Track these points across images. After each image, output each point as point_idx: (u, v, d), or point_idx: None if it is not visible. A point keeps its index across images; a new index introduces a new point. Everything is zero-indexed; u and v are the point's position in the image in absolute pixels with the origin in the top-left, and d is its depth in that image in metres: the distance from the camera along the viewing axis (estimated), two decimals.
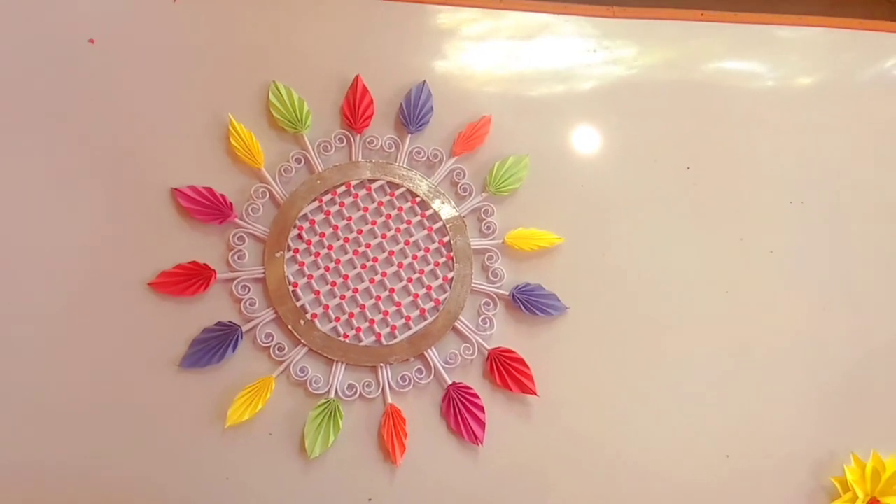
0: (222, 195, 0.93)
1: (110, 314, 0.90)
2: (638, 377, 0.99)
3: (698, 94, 1.06)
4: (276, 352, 0.92)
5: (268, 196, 0.95)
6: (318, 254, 0.94)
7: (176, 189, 0.92)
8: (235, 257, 0.93)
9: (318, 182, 0.95)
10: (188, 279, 0.91)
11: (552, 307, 0.96)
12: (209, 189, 0.93)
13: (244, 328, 0.91)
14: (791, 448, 0.99)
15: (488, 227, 0.97)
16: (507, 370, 0.94)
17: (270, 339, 0.92)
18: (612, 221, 1.01)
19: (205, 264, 0.92)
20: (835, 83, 1.08)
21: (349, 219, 0.95)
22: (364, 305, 0.94)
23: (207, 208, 0.92)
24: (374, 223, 0.96)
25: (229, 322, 0.91)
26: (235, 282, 0.92)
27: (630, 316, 1.00)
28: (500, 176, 0.98)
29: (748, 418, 0.99)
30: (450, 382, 0.93)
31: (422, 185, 0.97)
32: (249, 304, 0.92)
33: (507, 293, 0.95)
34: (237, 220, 0.93)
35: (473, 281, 0.96)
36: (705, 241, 1.02)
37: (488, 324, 0.95)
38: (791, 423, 1.00)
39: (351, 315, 0.94)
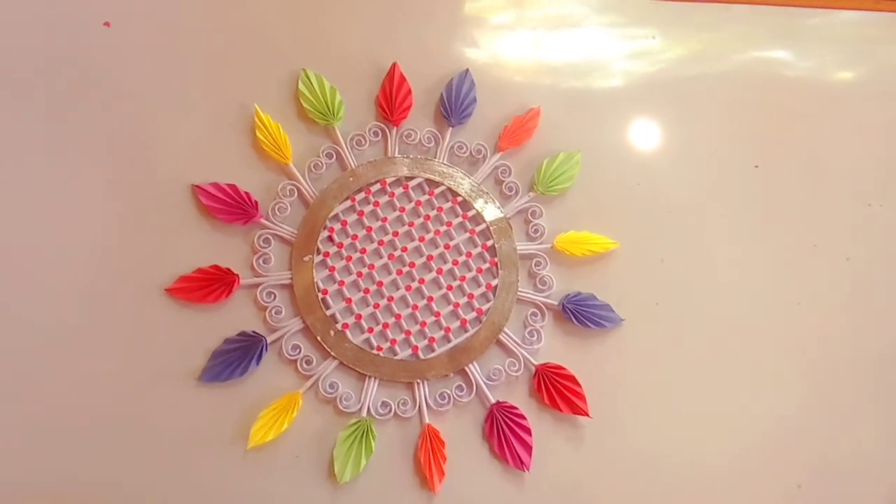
0: (247, 193, 0.88)
1: (124, 322, 0.85)
2: (700, 397, 0.92)
3: (768, 86, 1.00)
4: (304, 365, 0.86)
5: (296, 194, 0.89)
6: (349, 258, 0.88)
7: (196, 186, 0.87)
8: (260, 261, 0.87)
9: (351, 179, 0.90)
10: (209, 285, 0.85)
11: (606, 319, 0.90)
12: (232, 186, 0.88)
13: (269, 339, 0.86)
14: (868, 479, 0.92)
15: (536, 230, 0.91)
16: (556, 388, 0.87)
17: (297, 351, 0.86)
18: (671, 224, 0.94)
19: (227, 268, 0.86)
20: None
21: (384, 220, 0.90)
22: (400, 315, 0.88)
23: (230, 207, 0.87)
24: (411, 225, 0.90)
25: (253, 332, 0.86)
26: (260, 288, 0.87)
27: (692, 329, 0.93)
28: (550, 174, 0.92)
29: (822, 445, 0.92)
30: (493, 401, 0.86)
31: (463, 184, 0.91)
32: (275, 313, 0.86)
33: (557, 303, 0.89)
34: (262, 221, 0.88)
35: (519, 289, 0.89)
36: (775, 247, 0.96)
37: (535, 336, 0.89)
38: (869, 452, 0.93)
39: (385, 326, 0.87)
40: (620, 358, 0.91)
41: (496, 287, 0.89)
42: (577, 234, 0.91)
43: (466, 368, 0.87)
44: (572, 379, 0.88)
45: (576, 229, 0.91)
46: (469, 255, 0.90)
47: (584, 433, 0.89)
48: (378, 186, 0.90)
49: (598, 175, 0.94)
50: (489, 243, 0.89)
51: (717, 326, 0.93)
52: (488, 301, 0.88)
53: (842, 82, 1.02)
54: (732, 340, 0.93)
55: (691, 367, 0.92)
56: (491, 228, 0.90)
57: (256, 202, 0.88)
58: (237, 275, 0.87)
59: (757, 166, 0.97)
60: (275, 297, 0.87)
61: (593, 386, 0.88)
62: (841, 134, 1.00)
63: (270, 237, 0.88)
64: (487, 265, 0.89)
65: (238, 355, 0.85)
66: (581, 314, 0.89)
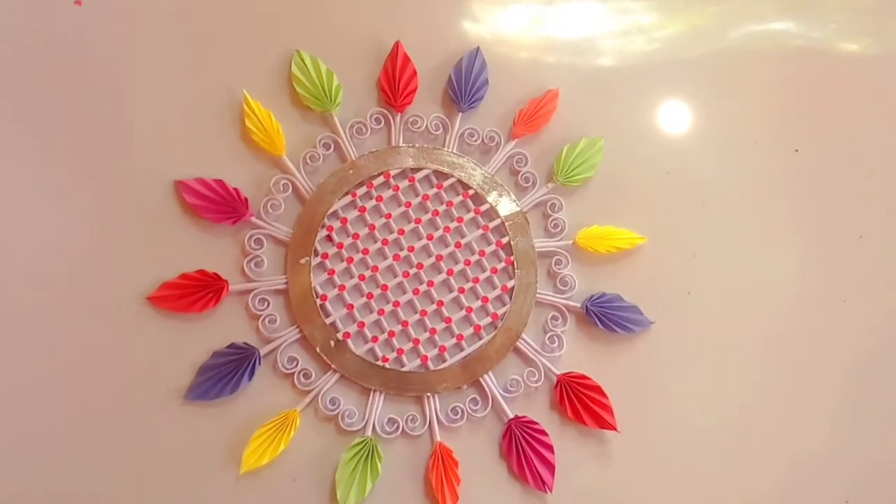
0: (235, 189, 0.81)
1: (99, 335, 0.79)
2: (739, 407, 0.86)
3: (809, 63, 0.93)
4: (302, 380, 0.80)
5: (290, 190, 0.83)
6: (351, 259, 0.82)
7: (179, 182, 0.81)
8: (252, 264, 0.81)
9: (351, 172, 0.83)
10: (195, 292, 0.79)
11: (634, 322, 0.84)
12: (219, 182, 0.81)
13: (262, 351, 0.80)
14: None
15: (556, 225, 0.85)
16: (580, 400, 0.81)
17: (294, 364, 0.80)
18: (704, 216, 0.88)
19: (214, 273, 0.80)
20: None
21: (388, 216, 0.83)
22: (407, 322, 0.82)
23: (217, 205, 0.81)
24: (418, 221, 0.83)
25: (244, 344, 0.80)
26: (252, 294, 0.80)
27: (729, 332, 0.87)
28: (570, 163, 0.85)
29: (872, 459, 0.87)
30: (511, 416, 0.80)
31: (475, 175, 0.84)
32: (269, 322, 0.80)
33: (580, 305, 0.83)
34: (253, 220, 0.81)
35: (538, 291, 0.83)
36: (818, 240, 0.89)
37: (557, 343, 0.83)
38: None
39: (391, 334, 0.81)
40: (651, 365, 0.85)
41: (513, 289, 0.83)
42: (601, 229, 0.85)
43: (481, 380, 0.82)
44: (598, 389, 0.82)
45: (599, 223, 0.85)
46: (482, 253, 0.83)
47: (611, 449, 0.83)
48: (381, 179, 0.84)
49: (623, 163, 0.88)
50: (504, 240, 0.84)
51: (757, 329, 0.88)
52: (504, 305, 0.83)
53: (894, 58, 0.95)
54: (773, 344, 0.88)
55: (729, 375, 0.87)
56: (506, 224, 0.84)
57: (246, 199, 0.81)
58: (226, 280, 0.80)
59: (797, 150, 0.91)
60: (268, 304, 0.81)
61: (621, 397, 0.83)
62: (891, 115, 0.94)
63: (262, 238, 0.82)
64: (503, 265, 0.84)
65: (228, 370, 0.79)
66: (607, 317, 0.83)
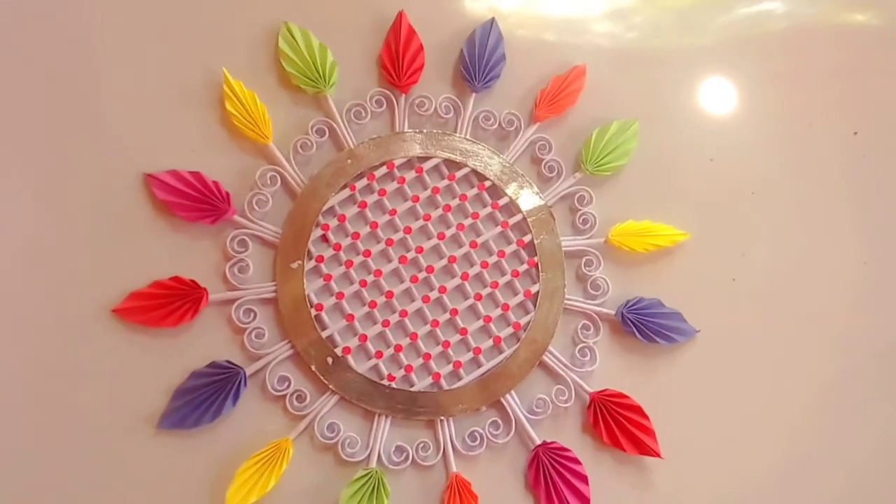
0: (215, 183, 0.76)
1: (58, 354, 0.74)
2: (799, 429, 0.80)
3: (868, 42, 0.88)
4: (295, 403, 0.75)
5: (279, 183, 0.78)
6: (350, 263, 0.77)
7: (149, 176, 0.76)
8: (235, 270, 0.76)
9: (349, 162, 0.78)
10: (169, 303, 0.74)
11: (676, 331, 0.78)
12: (196, 175, 0.76)
13: (248, 370, 0.74)
14: None
15: (585, 221, 0.80)
16: (617, 422, 0.76)
17: (286, 385, 0.75)
18: (754, 209, 0.83)
19: (191, 281, 0.74)
20: None
21: (392, 212, 0.78)
22: (416, 335, 0.76)
23: (194, 202, 0.76)
24: (426, 218, 0.78)
25: (227, 362, 0.74)
26: (235, 305, 0.75)
27: (784, 340, 0.81)
28: (601, 149, 0.80)
29: None
30: (538, 442, 0.75)
31: (492, 164, 0.80)
32: (255, 336, 0.75)
33: (614, 312, 0.78)
34: (237, 218, 0.77)
35: (567, 296, 0.78)
36: (882, 234, 0.84)
37: (588, 356, 0.78)
38: None
39: (398, 349, 0.76)
40: (697, 380, 0.80)
41: (537, 294, 0.78)
42: (637, 225, 0.80)
43: (502, 400, 0.76)
44: (638, 410, 0.76)
45: (635, 218, 0.80)
46: (501, 254, 0.79)
47: (654, 479, 0.77)
48: (384, 170, 0.79)
49: (660, 149, 0.83)
50: (526, 239, 0.79)
51: (816, 336, 0.82)
52: (527, 313, 0.78)
53: None
54: (836, 354, 0.82)
55: (786, 389, 0.81)
56: (528, 220, 0.79)
57: (228, 194, 0.76)
58: (205, 289, 0.75)
59: (856, 133, 0.86)
60: (255, 315, 0.76)
61: (664, 418, 0.76)
62: None
63: (247, 239, 0.77)
64: (525, 267, 0.79)
65: (208, 393, 0.73)
66: (645, 326, 0.78)
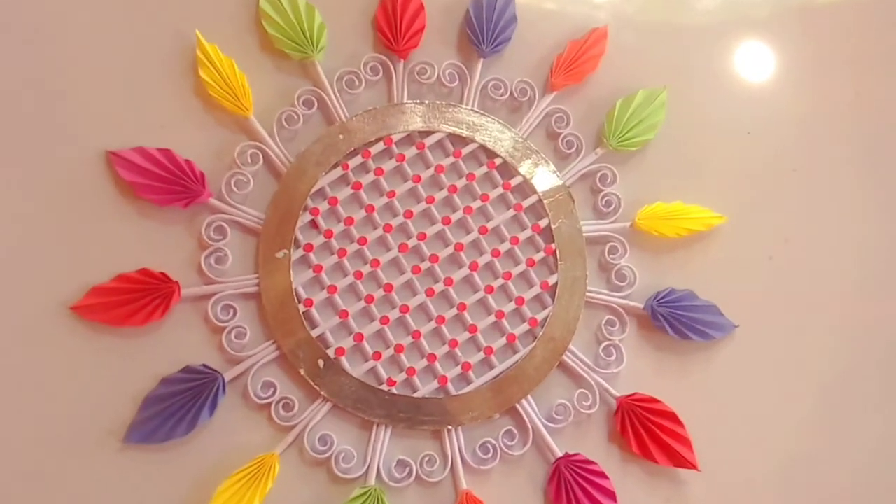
0: (188, 162, 0.73)
1: (11, 357, 0.70)
2: (852, 435, 0.76)
3: None
4: (281, 412, 0.71)
5: (261, 161, 0.74)
6: (343, 252, 0.73)
7: (113, 154, 0.72)
8: (211, 261, 0.72)
9: (341, 137, 0.75)
10: (135, 298, 0.70)
11: (713, 326, 0.75)
12: (166, 152, 0.73)
13: (227, 376, 0.70)
14: None
15: (608, 203, 0.77)
16: (647, 430, 0.72)
17: (271, 391, 0.71)
18: (797, 188, 0.80)
19: (161, 273, 0.71)
20: None
21: (391, 194, 0.75)
22: (419, 333, 0.73)
23: (164, 183, 0.73)
24: (429, 200, 0.75)
25: (203, 367, 0.70)
26: (212, 301, 0.72)
27: (834, 337, 0.77)
28: (625, 122, 0.77)
29: None
30: (559, 454, 0.71)
31: (503, 139, 0.77)
32: (236, 337, 0.71)
33: (642, 306, 0.75)
34: (212, 202, 0.73)
35: (588, 288, 0.75)
36: None
37: (614, 356, 0.74)
38: None
39: (398, 349, 0.72)
40: (737, 382, 0.76)
41: (555, 286, 0.75)
42: (666, 207, 0.77)
43: (518, 406, 0.73)
44: (671, 416, 0.73)
45: (664, 199, 0.77)
46: (515, 241, 0.75)
47: (690, 494, 0.74)
48: (380, 147, 0.76)
49: (691, 122, 0.80)
50: (543, 223, 0.76)
51: (874, 332, 0.78)
52: (545, 307, 0.74)
53: None
54: (893, 352, 0.78)
55: (840, 392, 0.77)
56: (545, 202, 0.76)
57: (202, 174, 0.73)
58: (177, 282, 0.71)
59: None
60: (234, 313, 0.72)
61: (701, 425, 0.73)
62: None
63: (225, 225, 0.73)
64: (541, 255, 0.76)
65: (181, 402, 0.70)
66: (678, 320, 0.74)
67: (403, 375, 0.72)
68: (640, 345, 0.76)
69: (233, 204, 0.74)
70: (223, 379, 0.70)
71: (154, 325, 0.71)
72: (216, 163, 0.74)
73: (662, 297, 0.75)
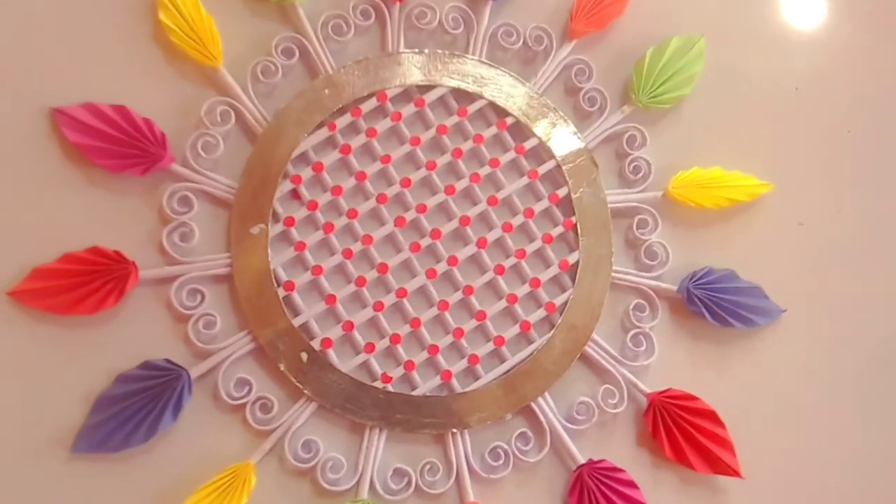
0: (146, 120, 0.68)
1: None
2: None
3: None
4: (258, 414, 0.67)
5: (232, 120, 0.70)
6: (330, 226, 0.69)
7: (58, 111, 0.67)
8: (175, 237, 0.68)
9: (327, 93, 0.71)
10: (84, 282, 0.66)
11: (757, 311, 0.72)
12: (121, 109, 0.68)
13: (194, 372, 0.66)
14: None
15: (637, 169, 0.73)
16: (683, 432, 0.69)
17: (245, 390, 0.67)
18: (852, 153, 0.76)
19: (115, 252, 0.66)
20: None
21: (385, 159, 0.70)
22: (418, 321, 0.69)
23: (118, 146, 0.68)
24: (430, 167, 0.71)
25: (165, 362, 0.66)
26: (176, 284, 0.67)
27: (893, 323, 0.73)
28: (656, 75, 0.74)
29: None
30: (581, 460, 0.68)
31: (516, 95, 0.73)
32: (204, 327, 0.67)
33: (676, 288, 0.71)
34: (175, 168, 0.68)
35: (614, 268, 0.72)
36: None
37: (644, 346, 0.71)
38: None
39: (394, 339, 0.68)
40: (785, 375, 0.72)
41: (576, 266, 0.71)
42: (704, 173, 0.73)
43: (533, 405, 0.69)
44: (711, 415, 0.69)
45: (701, 165, 0.73)
46: (529, 213, 0.71)
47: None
48: (373, 104, 0.72)
49: (732, 75, 0.76)
50: (561, 193, 0.72)
51: None
52: (564, 290, 0.71)
53: None
54: None
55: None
56: (563, 168, 0.72)
57: (163, 135, 0.68)
58: (133, 263, 0.66)
59: None
60: (202, 298, 0.68)
61: (744, 425, 0.69)
62: None
63: (191, 195, 0.69)
64: (560, 229, 0.72)
65: (140, 404, 0.65)
66: (717, 305, 0.70)
67: (401, 370, 0.68)
68: (674, 333, 0.73)
69: (200, 170, 0.69)
70: (189, 376, 0.66)
71: (107, 314, 0.66)
72: (180, 122, 0.70)
73: (699, 278, 0.71)
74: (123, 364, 0.65)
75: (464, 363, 0.68)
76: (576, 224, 0.70)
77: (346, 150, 0.69)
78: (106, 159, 0.66)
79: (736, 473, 0.67)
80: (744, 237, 0.73)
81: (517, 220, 0.70)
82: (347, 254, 0.68)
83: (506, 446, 0.67)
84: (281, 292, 0.67)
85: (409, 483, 0.66)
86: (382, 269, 0.68)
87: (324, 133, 0.69)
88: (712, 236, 0.73)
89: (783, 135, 0.76)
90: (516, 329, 0.69)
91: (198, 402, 0.66)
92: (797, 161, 0.75)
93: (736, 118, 0.76)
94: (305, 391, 0.66)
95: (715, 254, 0.73)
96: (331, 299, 0.67)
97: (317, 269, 0.68)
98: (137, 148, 0.66)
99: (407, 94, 0.71)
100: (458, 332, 0.68)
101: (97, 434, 0.63)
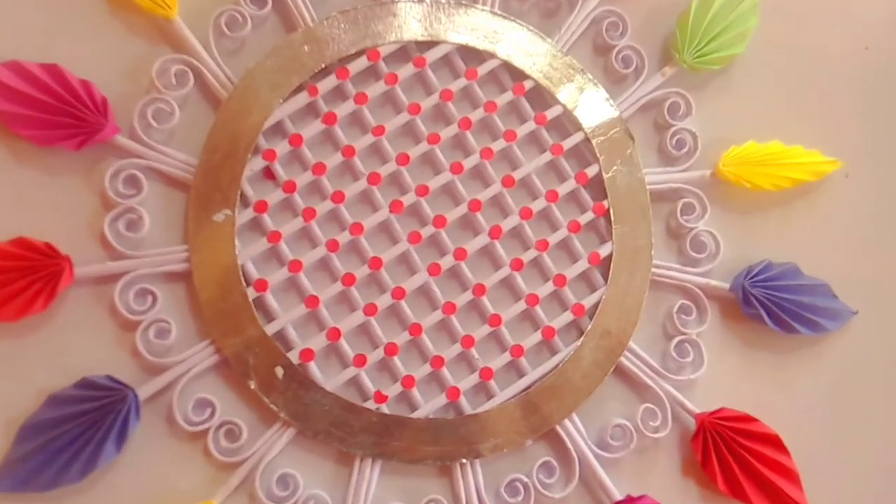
0: (84, 83, 0.60)
1: None
2: None
3: None
4: (223, 443, 0.59)
5: (191, 83, 0.63)
6: (310, 212, 0.62)
7: None
8: (120, 226, 0.61)
9: (307, 49, 0.64)
10: (8, 281, 0.59)
11: (825, 314, 0.65)
12: (53, 69, 0.60)
13: (143, 393, 0.59)
14: None
15: (680, 143, 0.67)
16: (739, 460, 0.62)
17: (207, 413, 0.60)
18: None
19: (45, 244, 0.59)
20: None
21: (378, 131, 0.63)
22: (419, 327, 0.62)
23: (50, 113, 0.60)
24: (433, 140, 0.64)
25: (108, 379, 0.58)
26: (121, 283, 0.60)
27: None
28: (704, 30, 0.67)
29: None
30: (618, 496, 0.62)
31: (536, 54, 0.66)
32: (156, 336, 0.60)
33: (728, 286, 0.65)
34: (120, 140, 0.61)
35: (655, 262, 0.65)
36: None
37: (690, 356, 0.64)
38: None
39: (390, 350, 0.61)
40: (857, 391, 0.66)
41: (609, 260, 0.64)
42: (760, 148, 0.66)
43: (559, 429, 0.63)
44: (772, 440, 0.63)
45: (757, 139, 0.67)
46: (553, 196, 0.64)
47: None
48: (363, 63, 0.64)
49: (792, 32, 0.69)
50: (591, 172, 0.65)
51: None
52: (594, 289, 0.64)
53: None
54: None
55: None
56: (593, 142, 0.65)
57: (105, 101, 0.61)
58: (67, 258, 0.59)
59: None
60: (154, 300, 0.61)
61: (811, 452, 0.63)
62: None
63: (140, 174, 0.61)
64: (590, 216, 0.65)
65: (77, 432, 0.58)
66: (778, 306, 0.64)
67: (398, 388, 0.61)
68: (726, 340, 0.66)
69: (150, 144, 0.61)
70: (136, 397, 0.58)
71: (35, 320, 0.59)
72: (126, 85, 0.62)
73: (756, 274, 0.64)
74: (55, 383, 0.58)
75: (474, 378, 0.62)
76: (608, 209, 0.64)
77: (330, 119, 0.62)
78: (33, 129, 0.59)
79: None
80: (808, 225, 0.67)
81: (538, 205, 0.64)
82: (332, 246, 0.61)
83: (525, 479, 0.61)
84: (251, 293, 0.60)
85: None
86: (375, 264, 0.62)
87: (303, 98, 0.63)
88: (770, 224, 0.67)
89: (852, 103, 0.69)
90: (537, 336, 0.63)
91: (148, 429, 0.59)
92: (870, 134, 0.69)
93: (797, 83, 0.69)
94: (281, 414, 0.60)
95: (774, 245, 0.67)
96: (312, 301, 0.61)
97: (295, 265, 0.61)
98: (72, 116, 0.59)
99: (404, 52, 0.64)
100: (468, 341, 0.62)
101: (22, 469, 0.56)
